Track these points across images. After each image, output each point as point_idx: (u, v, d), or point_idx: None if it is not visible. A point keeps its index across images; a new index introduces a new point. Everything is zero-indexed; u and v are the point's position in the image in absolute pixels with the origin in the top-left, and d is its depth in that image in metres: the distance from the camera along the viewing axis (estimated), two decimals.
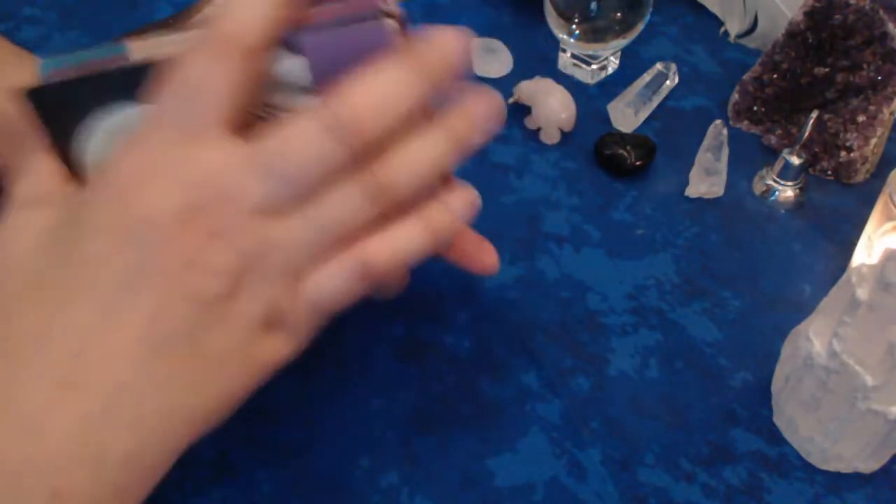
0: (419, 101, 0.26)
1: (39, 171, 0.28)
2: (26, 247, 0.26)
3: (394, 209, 0.28)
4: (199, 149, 0.25)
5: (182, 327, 0.25)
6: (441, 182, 0.30)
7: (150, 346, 0.25)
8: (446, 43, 0.27)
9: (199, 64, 0.25)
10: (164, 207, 0.25)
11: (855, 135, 0.53)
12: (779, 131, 0.57)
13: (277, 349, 0.28)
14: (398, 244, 0.28)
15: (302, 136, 0.25)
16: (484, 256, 0.36)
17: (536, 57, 0.63)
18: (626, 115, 0.57)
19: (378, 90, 0.26)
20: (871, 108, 0.52)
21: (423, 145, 0.27)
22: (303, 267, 0.27)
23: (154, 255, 0.25)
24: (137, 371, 0.25)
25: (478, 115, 0.29)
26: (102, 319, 0.25)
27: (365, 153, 0.26)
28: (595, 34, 0.58)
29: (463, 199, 0.30)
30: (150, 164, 0.25)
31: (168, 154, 0.25)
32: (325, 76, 0.26)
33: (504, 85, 0.59)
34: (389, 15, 0.27)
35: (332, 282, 0.28)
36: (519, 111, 0.57)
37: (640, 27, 0.58)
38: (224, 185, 0.25)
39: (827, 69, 0.53)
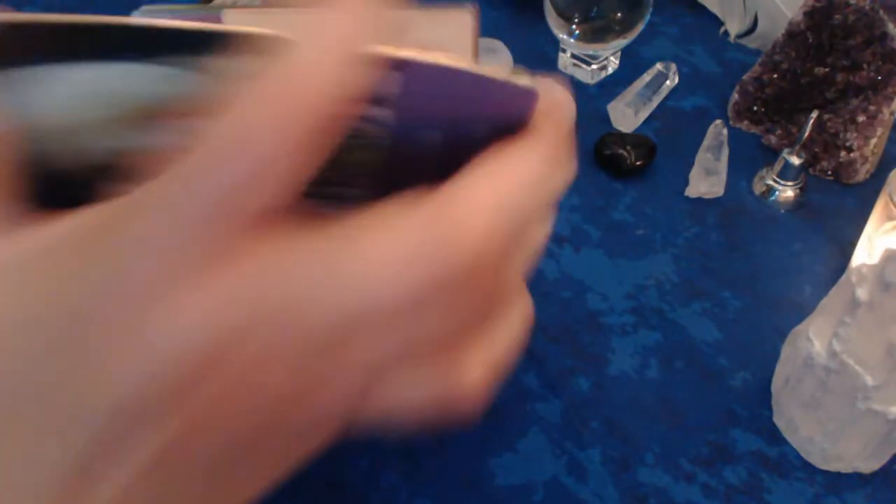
0: (555, 201, 0.19)
1: None
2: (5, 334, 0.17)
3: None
4: (256, 257, 0.16)
5: (192, 473, 0.18)
6: None
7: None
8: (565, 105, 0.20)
9: (265, 126, 0.15)
10: (197, 342, 0.16)
11: (855, 135, 0.53)
12: (779, 131, 0.57)
13: (314, 449, 0.21)
14: (491, 362, 0.21)
15: (396, 267, 0.16)
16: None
17: (536, 57, 0.63)
18: (626, 115, 0.57)
19: (511, 195, 0.17)
20: (871, 108, 0.52)
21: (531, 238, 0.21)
22: (371, 385, 0.19)
23: (176, 399, 0.17)
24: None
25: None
26: (92, 464, 0.17)
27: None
28: (595, 34, 0.58)
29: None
30: (181, 264, 0.16)
31: (210, 255, 0.16)
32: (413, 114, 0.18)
33: None
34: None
35: (410, 398, 0.20)
36: None
37: (640, 27, 0.58)
38: (285, 315, 0.17)
39: (827, 69, 0.53)
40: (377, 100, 0.17)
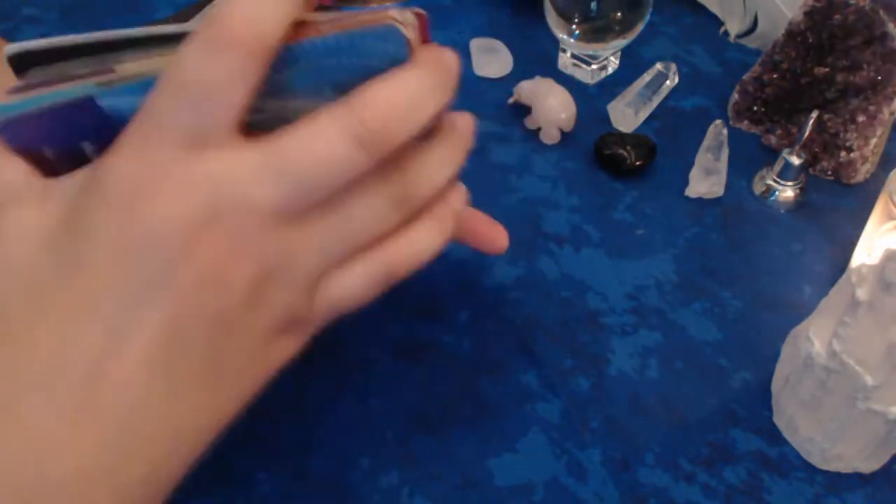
0: (443, 107, 0.26)
1: (12, 162, 0.25)
2: (21, 254, 0.24)
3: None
4: (211, 154, 0.23)
5: (196, 344, 0.24)
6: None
7: (163, 366, 0.24)
8: (450, 53, 0.27)
9: (208, 61, 0.22)
10: (176, 219, 0.23)
11: (855, 135, 0.53)
12: (779, 131, 0.57)
13: (288, 349, 0.28)
14: (418, 246, 0.28)
15: (324, 141, 0.24)
16: (495, 237, 0.36)
17: (536, 57, 0.63)
18: (626, 115, 0.57)
19: (406, 95, 0.25)
20: (871, 108, 0.52)
21: (442, 151, 0.27)
22: (323, 273, 0.27)
23: (166, 270, 0.23)
24: (151, 391, 0.24)
25: (471, 120, 0.29)
26: (113, 338, 0.23)
27: (387, 159, 0.25)
28: (595, 34, 0.58)
29: (461, 195, 0.30)
30: (156, 170, 0.23)
31: (175, 160, 0.23)
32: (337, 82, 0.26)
33: (504, 85, 0.59)
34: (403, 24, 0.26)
35: (354, 286, 0.27)
36: (519, 111, 0.57)
37: (640, 27, 0.58)
38: (240, 193, 0.23)
39: (827, 69, 0.53)
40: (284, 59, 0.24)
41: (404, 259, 0.28)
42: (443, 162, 0.28)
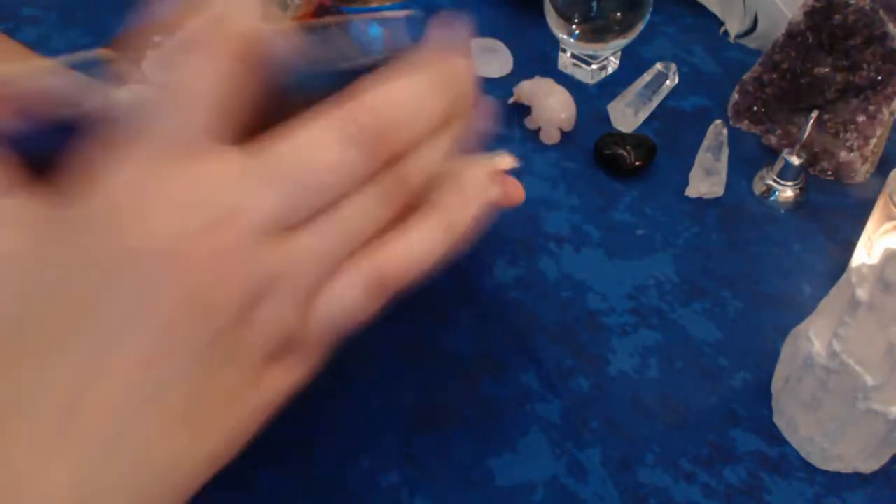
0: (445, 110, 0.24)
1: None
2: (3, 279, 0.22)
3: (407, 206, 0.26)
4: (195, 163, 0.21)
5: (182, 370, 0.22)
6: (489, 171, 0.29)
7: (144, 398, 0.22)
8: (461, 55, 0.25)
9: (183, 66, 0.22)
10: (158, 238, 0.21)
11: (855, 135, 0.53)
12: (779, 131, 0.57)
13: (287, 377, 0.25)
14: (416, 248, 0.25)
15: (318, 144, 0.22)
16: (509, 189, 0.33)
17: (536, 57, 0.63)
18: (626, 115, 0.57)
19: (406, 96, 0.23)
20: (871, 108, 0.52)
21: (436, 144, 0.25)
22: (317, 285, 0.24)
23: (148, 293, 0.21)
24: (135, 422, 0.22)
25: (478, 114, 0.27)
26: (94, 368, 0.22)
27: (385, 161, 0.24)
28: (595, 34, 0.58)
29: (477, 187, 0.28)
30: (141, 184, 0.21)
31: (160, 172, 0.21)
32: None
33: (504, 85, 0.59)
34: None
35: (346, 298, 0.25)
36: (519, 111, 0.57)
37: (640, 27, 0.58)
38: (227, 203, 0.22)
39: (827, 69, 0.53)
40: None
41: (399, 264, 0.25)
42: (437, 152, 0.25)
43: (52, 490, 0.21)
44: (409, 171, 0.25)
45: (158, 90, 0.22)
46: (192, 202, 0.21)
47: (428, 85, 0.24)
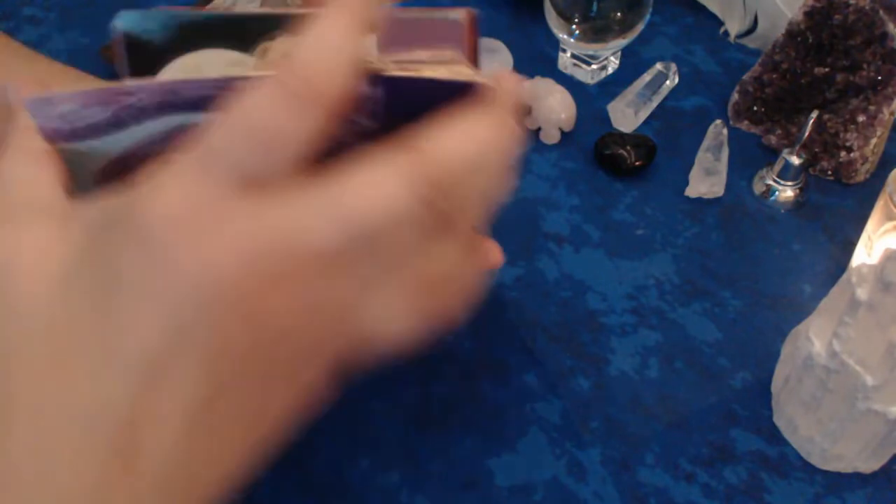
0: (515, 156, 0.24)
1: (29, 167, 0.23)
2: (37, 285, 0.22)
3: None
4: (267, 199, 0.21)
5: (237, 398, 0.22)
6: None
7: (202, 420, 0.22)
8: (512, 86, 0.24)
9: (272, 103, 0.20)
10: (221, 265, 0.20)
11: (855, 135, 0.53)
12: (779, 131, 0.57)
13: (326, 395, 0.26)
14: (464, 285, 0.26)
15: (384, 191, 0.21)
16: (489, 253, 0.35)
17: (536, 57, 0.63)
18: (626, 115, 0.57)
19: (475, 147, 0.22)
20: (871, 108, 0.52)
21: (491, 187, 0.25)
22: (372, 322, 0.24)
23: (206, 320, 0.21)
24: (188, 444, 0.22)
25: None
26: (146, 391, 0.21)
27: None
28: (595, 34, 0.58)
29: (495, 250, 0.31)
30: (203, 211, 0.20)
31: (227, 202, 0.20)
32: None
33: None
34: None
35: (400, 321, 0.25)
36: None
37: (640, 27, 0.58)
38: (292, 240, 0.21)
39: (827, 69, 0.53)
40: (360, 108, 0.23)
41: (454, 301, 0.26)
42: (492, 197, 0.25)
43: (118, 501, 0.21)
44: (471, 218, 0.25)
45: (238, 114, 0.21)
46: (260, 234, 0.21)
47: (498, 131, 0.23)
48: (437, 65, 0.23)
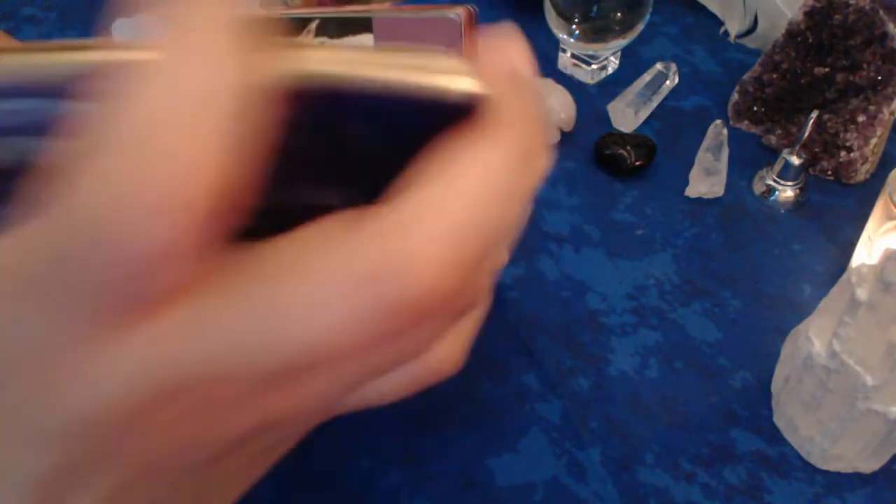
0: (528, 203, 0.16)
1: None
2: None
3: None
4: (160, 319, 0.14)
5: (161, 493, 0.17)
6: None
7: None
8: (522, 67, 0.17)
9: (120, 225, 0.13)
10: (121, 400, 0.15)
11: (855, 135, 0.53)
12: (779, 131, 0.57)
13: (279, 456, 0.21)
14: (463, 342, 0.21)
15: (334, 326, 0.14)
16: None
17: (536, 57, 0.63)
18: (626, 115, 0.57)
19: (470, 210, 0.14)
20: (871, 108, 0.52)
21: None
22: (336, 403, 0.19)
23: (105, 451, 0.16)
24: None
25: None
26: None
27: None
28: (595, 34, 0.58)
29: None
30: (79, 343, 0.14)
31: (108, 327, 0.14)
32: None
33: None
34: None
35: (394, 391, 0.21)
36: None
37: (640, 27, 0.58)
38: (204, 371, 0.15)
39: (827, 69, 0.53)
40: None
41: (448, 360, 0.21)
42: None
43: None
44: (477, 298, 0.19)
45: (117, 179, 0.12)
46: (161, 363, 0.15)
47: (513, 157, 0.15)
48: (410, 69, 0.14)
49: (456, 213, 0.14)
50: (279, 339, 0.15)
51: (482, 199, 0.14)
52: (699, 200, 0.52)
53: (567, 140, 0.56)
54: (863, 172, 0.54)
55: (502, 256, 0.20)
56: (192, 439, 0.16)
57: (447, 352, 0.21)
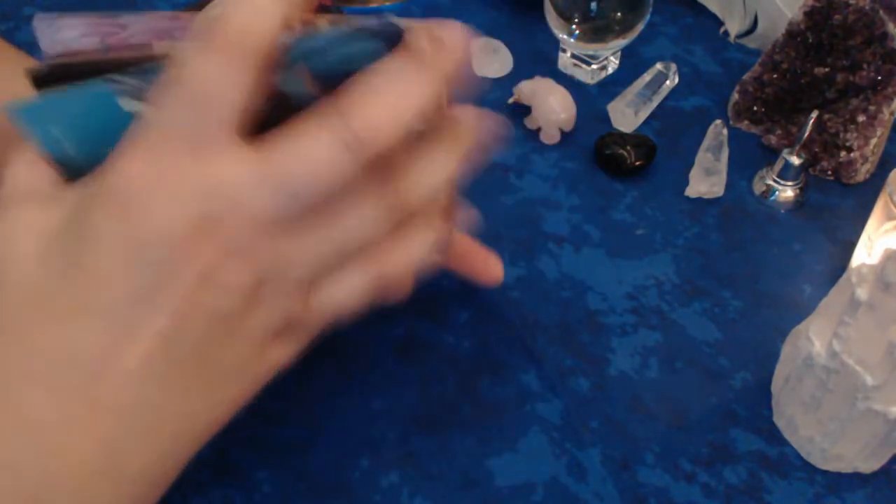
0: (435, 104, 0.25)
1: (29, 165, 0.26)
2: (25, 252, 0.25)
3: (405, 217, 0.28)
4: (211, 160, 0.23)
5: (195, 343, 0.25)
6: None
7: (165, 364, 0.25)
8: (454, 38, 0.26)
9: (207, 67, 0.23)
10: (176, 223, 0.23)
11: (855, 135, 0.53)
12: (779, 131, 0.57)
13: (285, 354, 0.28)
14: (411, 254, 0.28)
15: (316, 150, 0.24)
16: (490, 268, 0.38)
17: (536, 57, 0.63)
18: (626, 115, 0.57)
19: (393, 97, 0.24)
20: (871, 108, 0.52)
21: (438, 156, 0.27)
22: (317, 279, 0.27)
23: (166, 272, 0.24)
24: (153, 388, 0.25)
25: (485, 128, 0.29)
26: (115, 337, 0.24)
27: (379, 164, 0.25)
28: (595, 34, 0.58)
29: (464, 215, 0.31)
30: (158, 174, 0.23)
31: (177, 165, 0.23)
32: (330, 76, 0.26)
33: (504, 85, 0.59)
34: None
35: (348, 292, 0.28)
36: (519, 111, 0.57)
37: (640, 27, 0.58)
38: (238, 200, 0.24)
39: (827, 69, 0.53)
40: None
41: (397, 267, 0.28)
42: (438, 164, 0.27)
43: (79, 454, 0.24)
44: (412, 183, 0.26)
45: (180, 82, 0.23)
46: (206, 195, 0.23)
47: (419, 75, 0.25)
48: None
49: (388, 91, 0.24)
50: (283, 172, 0.24)
51: (404, 83, 0.24)
52: (699, 200, 0.52)
53: (567, 140, 0.56)
54: (863, 172, 0.54)
55: (450, 166, 0.28)
56: (218, 280, 0.24)
57: (397, 261, 0.28)
